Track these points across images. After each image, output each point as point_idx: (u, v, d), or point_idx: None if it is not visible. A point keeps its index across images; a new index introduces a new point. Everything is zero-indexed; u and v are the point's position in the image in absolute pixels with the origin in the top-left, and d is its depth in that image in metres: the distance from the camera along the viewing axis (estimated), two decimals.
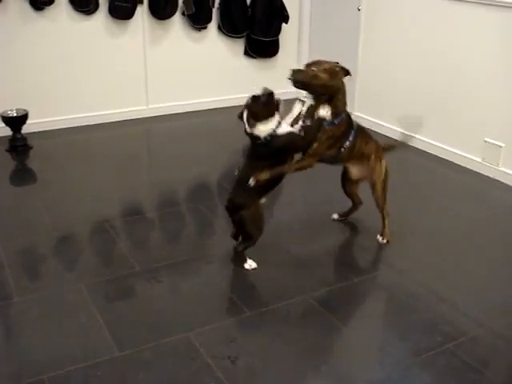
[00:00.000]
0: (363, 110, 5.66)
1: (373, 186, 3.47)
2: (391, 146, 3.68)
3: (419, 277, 3.22)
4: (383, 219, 3.52)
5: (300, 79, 3.13)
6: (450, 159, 4.83)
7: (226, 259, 3.31)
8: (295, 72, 3.12)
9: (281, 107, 3.11)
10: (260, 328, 2.80)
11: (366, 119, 5.61)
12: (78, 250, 3.50)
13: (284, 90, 6.57)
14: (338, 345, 2.73)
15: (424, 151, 5.02)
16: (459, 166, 4.73)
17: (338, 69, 3.16)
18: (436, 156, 4.93)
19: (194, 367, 2.52)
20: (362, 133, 3.39)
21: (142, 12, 5.50)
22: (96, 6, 5.28)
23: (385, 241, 3.49)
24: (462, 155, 4.75)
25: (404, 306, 2.97)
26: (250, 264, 3.21)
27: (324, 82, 3.10)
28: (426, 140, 5.03)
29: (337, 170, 3.63)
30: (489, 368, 2.58)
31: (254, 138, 3.07)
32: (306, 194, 4.32)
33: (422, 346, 2.68)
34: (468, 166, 4.69)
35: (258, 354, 2.60)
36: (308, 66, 3.15)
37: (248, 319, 2.84)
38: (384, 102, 5.45)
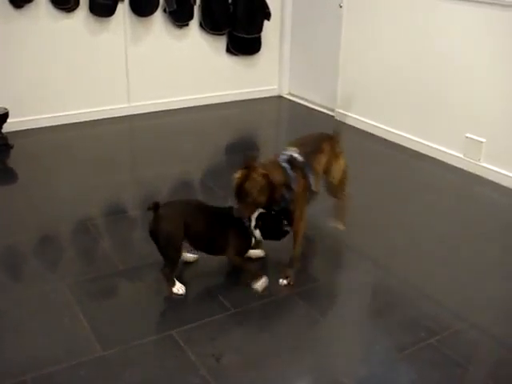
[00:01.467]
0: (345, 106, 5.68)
1: (338, 180, 3.42)
2: (336, 134, 3.57)
3: (402, 273, 3.24)
4: (343, 206, 3.52)
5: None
6: (431, 155, 4.86)
7: (208, 257, 3.30)
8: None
9: None
10: (244, 325, 2.80)
11: (349, 116, 5.63)
12: (60, 250, 3.48)
13: (266, 87, 6.62)
14: (321, 342, 2.73)
15: (405, 147, 5.05)
16: (441, 161, 4.76)
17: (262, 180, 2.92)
18: (417, 152, 4.95)
19: (178, 365, 2.51)
20: (312, 159, 3.19)
21: (123, 9, 5.47)
22: (76, 4, 5.23)
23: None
24: (443, 151, 4.77)
25: (387, 303, 2.99)
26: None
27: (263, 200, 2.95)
28: (407, 136, 5.05)
29: None
30: (472, 362, 2.60)
31: None
32: None
33: (405, 341, 2.69)
34: (449, 162, 4.72)
35: (242, 351, 2.60)
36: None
37: (232, 316, 2.84)
38: (367, 99, 5.47)
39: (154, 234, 2.99)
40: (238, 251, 3.07)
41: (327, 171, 3.33)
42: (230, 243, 3.03)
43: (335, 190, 3.45)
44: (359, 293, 3.10)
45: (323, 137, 3.40)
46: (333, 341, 2.75)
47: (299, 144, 3.21)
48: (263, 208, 3.03)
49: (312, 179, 3.13)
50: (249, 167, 2.90)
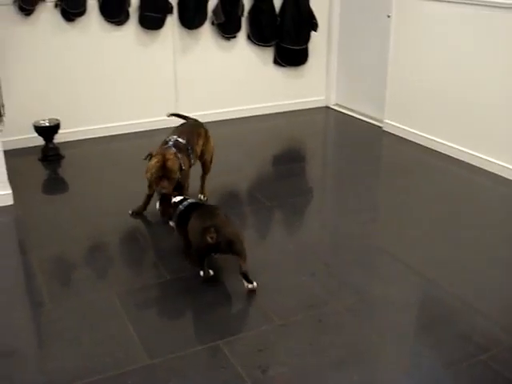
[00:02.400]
0: (393, 117, 5.63)
1: (210, 157, 4.22)
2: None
3: (452, 287, 3.18)
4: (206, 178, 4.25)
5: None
6: (481, 166, 4.74)
7: (254, 268, 3.30)
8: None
9: None
10: (291, 337, 2.78)
11: (396, 126, 5.58)
12: (109, 259, 3.53)
13: (313, 98, 6.62)
14: (368, 355, 2.69)
15: (455, 158, 4.95)
16: (491, 173, 4.65)
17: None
18: (467, 163, 4.84)
19: (224, 376, 2.51)
20: (192, 142, 3.97)
21: (171, 22, 5.54)
22: (126, 17, 5.34)
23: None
24: (493, 162, 4.66)
25: (436, 317, 2.93)
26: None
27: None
28: (457, 147, 4.96)
29: None
30: None
31: None
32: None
33: (454, 356, 2.63)
34: (500, 174, 4.59)
35: (289, 363, 2.59)
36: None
37: (279, 328, 2.83)
38: (414, 110, 5.41)
39: (223, 241, 3.07)
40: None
41: (203, 151, 4.11)
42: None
43: (208, 165, 4.22)
44: (407, 306, 3.04)
45: (198, 124, 4.21)
46: (380, 355, 2.71)
47: (180, 131, 3.99)
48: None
49: (193, 157, 3.90)
50: (159, 153, 3.59)
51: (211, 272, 3.21)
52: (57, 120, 5.06)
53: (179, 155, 3.66)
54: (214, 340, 2.73)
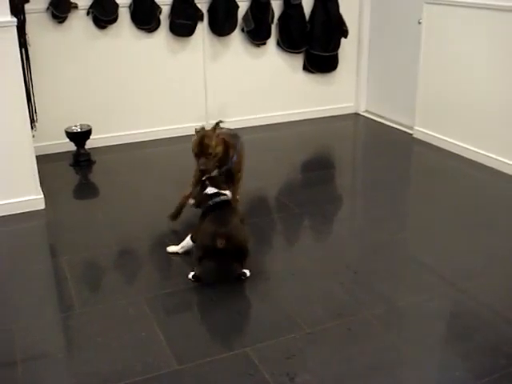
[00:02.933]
0: (424, 124, 5.58)
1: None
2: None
3: (481, 296, 3.13)
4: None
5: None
6: None
7: (282, 275, 3.30)
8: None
9: None
10: (319, 346, 2.77)
11: (427, 134, 5.53)
12: (138, 264, 3.55)
13: (343, 104, 6.60)
14: (397, 365, 2.66)
15: (485, 165, 4.89)
16: None
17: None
18: (498, 170, 4.78)
19: (252, 383, 2.51)
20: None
21: (202, 29, 5.58)
22: (157, 24, 5.38)
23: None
24: None
25: (465, 327, 2.89)
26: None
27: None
28: (488, 154, 4.90)
29: None
30: None
31: None
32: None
33: (484, 368, 2.59)
34: None
35: (316, 371, 2.57)
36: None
37: (307, 336, 2.82)
38: (445, 116, 5.36)
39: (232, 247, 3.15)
40: None
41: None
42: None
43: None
44: (436, 316, 3.01)
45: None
46: (409, 365, 2.68)
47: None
48: (218, 165, 3.58)
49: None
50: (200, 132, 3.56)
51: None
52: (88, 126, 5.11)
53: (227, 139, 3.64)
54: (242, 346, 2.73)
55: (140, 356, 2.68)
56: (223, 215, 3.26)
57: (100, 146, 5.36)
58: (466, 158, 5.09)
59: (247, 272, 3.27)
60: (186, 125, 5.73)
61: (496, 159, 4.85)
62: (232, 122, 5.89)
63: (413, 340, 2.82)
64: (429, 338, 2.84)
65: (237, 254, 3.22)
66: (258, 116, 6.07)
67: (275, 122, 6.15)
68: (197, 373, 2.57)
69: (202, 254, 3.21)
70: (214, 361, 2.64)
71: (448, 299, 3.13)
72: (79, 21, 5.15)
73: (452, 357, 2.69)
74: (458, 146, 5.21)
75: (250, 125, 6.01)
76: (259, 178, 4.76)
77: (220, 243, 3.07)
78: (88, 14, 5.14)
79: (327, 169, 5.17)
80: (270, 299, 3.13)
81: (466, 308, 3.04)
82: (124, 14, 5.27)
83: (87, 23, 5.18)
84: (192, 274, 3.24)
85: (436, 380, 2.57)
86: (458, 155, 5.17)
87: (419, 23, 5.48)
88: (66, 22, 5.09)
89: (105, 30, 5.25)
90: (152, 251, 3.69)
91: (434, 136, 5.45)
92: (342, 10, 6.02)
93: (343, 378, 2.54)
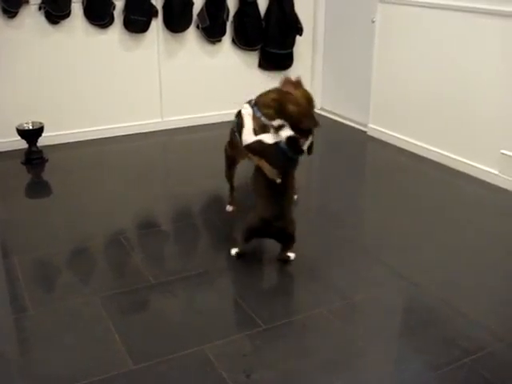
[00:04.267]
0: (377, 122, 5.65)
1: None
2: None
3: (436, 290, 3.19)
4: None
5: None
6: (466, 171, 4.79)
7: (240, 272, 3.29)
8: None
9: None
10: (275, 342, 2.77)
11: (381, 131, 5.60)
12: (93, 263, 3.50)
13: None
14: (354, 360, 2.69)
15: (438, 163, 4.99)
16: (475, 178, 4.70)
17: None
18: (451, 168, 4.89)
19: (208, 381, 2.50)
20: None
21: (156, 25, 5.53)
22: (111, 20, 5.32)
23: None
24: (478, 167, 4.71)
25: (421, 321, 2.93)
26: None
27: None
28: (441, 152, 5.00)
29: None
30: None
31: None
32: None
33: (440, 360, 2.64)
34: (485, 179, 4.65)
35: (273, 368, 2.58)
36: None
37: (263, 333, 2.82)
38: (398, 114, 5.43)
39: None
40: None
41: None
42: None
43: None
44: (393, 310, 3.05)
45: None
46: (366, 359, 2.71)
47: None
48: None
49: None
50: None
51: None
52: (40, 123, 5.03)
53: None
54: (198, 344, 2.71)
55: (95, 356, 2.64)
56: (276, 194, 3.22)
57: (53, 143, 5.27)
58: (419, 155, 5.17)
59: (292, 255, 3.35)
60: (140, 122, 5.70)
61: (448, 156, 4.94)
62: (186, 119, 5.91)
63: (369, 334, 2.85)
64: (385, 332, 2.88)
65: (287, 238, 3.29)
66: (212, 114, 6.05)
67: (230, 119, 6.11)
68: (153, 372, 2.55)
69: (249, 233, 3.28)
70: (170, 359, 2.62)
71: (404, 293, 3.17)
72: (31, 16, 5.05)
73: (408, 350, 2.73)
74: (411, 143, 5.29)
75: (205, 122, 5.99)
76: (214, 175, 4.74)
77: (276, 229, 3.19)
78: (40, 9, 5.04)
79: None
80: (227, 297, 3.12)
81: (421, 302, 3.09)
82: (77, 10, 5.19)
83: (39, 19, 5.08)
84: (235, 250, 3.36)
85: (391, 373, 2.60)
86: (411, 152, 5.25)
87: (373, 22, 5.53)
88: (17, 18, 4.98)
89: (57, 26, 5.16)
90: (107, 250, 3.64)
91: (388, 133, 5.52)
92: (297, 8, 6.05)
93: (300, 374, 2.55)
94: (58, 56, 5.23)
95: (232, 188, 4.05)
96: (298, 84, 3.19)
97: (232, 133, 3.74)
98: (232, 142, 3.76)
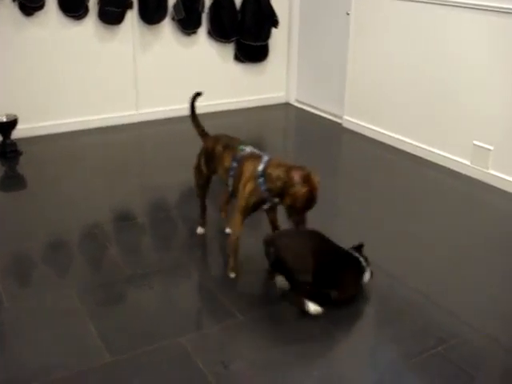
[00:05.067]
0: (352, 114, 5.69)
1: None
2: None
3: (410, 281, 3.23)
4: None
5: None
6: (439, 162, 4.85)
7: (216, 264, 3.31)
8: None
9: None
10: (252, 332, 2.80)
11: (355, 123, 5.64)
12: (69, 257, 3.49)
13: (273, 94, 6.64)
14: (330, 349, 2.73)
15: (412, 154, 5.05)
16: (448, 169, 4.76)
17: None
18: (425, 159, 4.95)
19: (186, 372, 2.52)
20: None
21: (131, 17, 5.50)
22: (86, 11, 5.28)
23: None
24: (451, 158, 4.77)
25: (396, 311, 2.98)
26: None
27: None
28: (415, 143, 5.06)
29: None
30: (480, 371, 2.59)
31: None
32: None
33: (414, 349, 2.69)
34: (457, 169, 4.71)
35: (250, 358, 2.60)
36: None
37: (240, 324, 2.85)
38: (373, 106, 5.48)
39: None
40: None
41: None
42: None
43: None
44: (368, 301, 3.09)
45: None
46: (341, 349, 2.75)
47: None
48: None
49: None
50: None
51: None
52: (14, 116, 4.98)
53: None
54: (175, 336, 2.73)
55: (72, 350, 2.64)
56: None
57: (27, 136, 5.22)
58: (393, 147, 5.22)
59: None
60: (115, 114, 5.67)
61: (422, 148, 5.00)
62: (161, 111, 5.89)
63: (343, 324, 2.89)
64: (359, 322, 2.92)
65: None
66: (188, 105, 6.02)
67: (206, 111, 6.09)
68: (130, 364, 2.56)
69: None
70: (147, 352, 2.63)
71: (378, 284, 3.21)
72: (5, 8, 4.98)
73: (383, 340, 2.77)
74: (386, 135, 5.33)
75: (180, 115, 5.97)
76: (190, 168, 4.74)
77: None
78: (14, 0, 4.98)
79: None
80: (203, 289, 3.14)
81: (395, 293, 3.13)
82: (51, 1, 5.14)
83: (13, 10, 5.02)
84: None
85: (368, 362, 2.64)
86: (385, 144, 5.30)
87: (347, 14, 5.56)
88: None
89: (31, 18, 5.11)
90: (82, 244, 3.63)
91: (363, 125, 5.57)
92: (273, 1, 6.06)
93: (277, 364, 2.57)
94: (32, 48, 5.18)
95: (203, 208, 3.67)
96: (306, 178, 2.90)
97: (207, 152, 3.54)
98: (208, 161, 3.50)
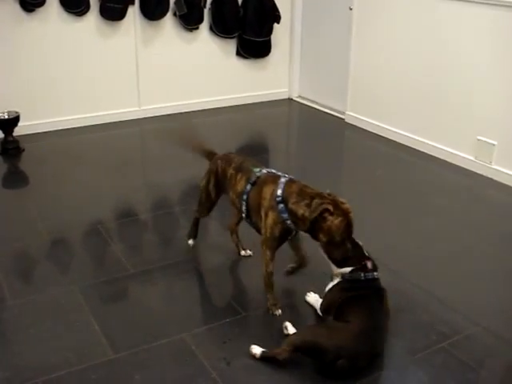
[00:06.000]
0: (355, 109, 5.67)
1: None
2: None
3: (414, 277, 3.22)
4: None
5: None
6: (442, 157, 4.83)
7: (219, 260, 3.30)
8: None
9: None
10: (256, 328, 2.79)
11: (358, 118, 5.62)
12: (71, 253, 3.49)
13: (276, 90, 6.62)
14: None
15: (416, 149, 5.03)
16: (452, 164, 4.74)
17: None
18: (428, 154, 4.93)
19: (189, 369, 2.51)
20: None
21: (133, 13, 5.48)
22: (87, 7, 5.26)
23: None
24: (454, 153, 4.75)
25: (399, 307, 2.96)
26: None
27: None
28: (418, 138, 5.04)
29: None
30: (484, 366, 2.58)
31: None
32: None
33: (417, 345, 2.68)
34: (461, 165, 4.69)
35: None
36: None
37: (243, 320, 2.84)
38: (376, 101, 5.46)
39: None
40: None
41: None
42: None
43: None
44: None
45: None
46: None
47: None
48: None
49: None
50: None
51: None
52: (16, 112, 4.97)
53: None
54: (178, 333, 2.72)
55: (75, 346, 2.64)
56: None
57: (29, 133, 5.22)
58: (397, 142, 5.21)
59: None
60: (118, 111, 5.67)
61: (426, 143, 4.98)
62: (163, 107, 5.88)
63: None
64: None
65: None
66: (190, 102, 6.03)
67: (208, 107, 6.12)
68: (133, 361, 2.55)
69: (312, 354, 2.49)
70: (150, 348, 2.62)
71: (381, 280, 3.19)
72: (6, 4, 4.97)
73: (387, 335, 2.76)
74: (389, 130, 5.32)
75: (182, 111, 5.97)
76: (193, 164, 4.72)
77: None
78: None
79: (260, 154, 5.18)
80: (205, 285, 3.13)
81: (399, 288, 3.11)
82: None
83: (14, 6, 5.01)
84: (259, 350, 2.57)
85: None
86: (388, 139, 5.29)
87: (350, 9, 5.54)
88: None
89: (32, 14, 5.09)
90: (85, 240, 3.63)
91: (365, 120, 5.55)
92: None
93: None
94: (33, 44, 5.17)
95: (197, 221, 3.43)
96: (335, 206, 2.64)
97: (216, 171, 3.19)
98: (218, 183, 3.17)
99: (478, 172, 4.56)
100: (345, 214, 2.62)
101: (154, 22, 5.59)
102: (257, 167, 2.97)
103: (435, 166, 4.78)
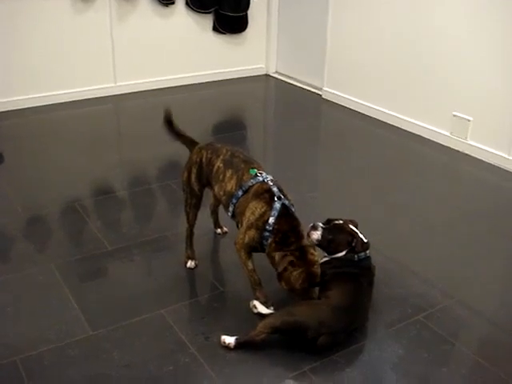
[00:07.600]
0: (332, 85, 5.67)
1: None
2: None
3: (389, 251, 3.26)
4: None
5: None
6: (418, 133, 4.86)
7: (197, 237, 3.30)
8: None
9: None
10: (233, 304, 2.81)
11: (335, 94, 5.62)
12: (48, 231, 3.47)
13: (253, 66, 6.59)
14: None
15: (392, 125, 5.05)
16: (428, 139, 4.78)
17: None
18: (405, 130, 4.96)
19: (167, 344, 2.53)
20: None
21: None
22: None
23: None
24: (430, 129, 4.78)
25: (375, 281, 3.00)
26: None
27: None
28: (394, 114, 5.06)
29: None
30: (459, 339, 2.63)
31: None
32: None
33: (393, 318, 2.72)
34: (436, 140, 4.73)
35: (231, 329, 2.61)
36: None
37: (221, 295, 2.86)
38: (353, 77, 5.46)
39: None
40: None
41: None
42: None
43: None
44: None
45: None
46: None
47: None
48: None
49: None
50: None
51: None
52: None
53: None
54: (156, 309, 2.73)
55: (53, 324, 2.64)
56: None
57: (3, 110, 5.15)
58: (373, 118, 5.22)
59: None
60: (92, 87, 5.60)
61: (402, 118, 5.00)
62: (140, 83, 5.83)
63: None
64: None
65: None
66: (167, 78, 5.98)
67: (184, 83, 6.07)
68: (112, 337, 2.56)
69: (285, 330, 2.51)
70: (128, 324, 2.63)
71: None
72: None
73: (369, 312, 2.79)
74: (365, 105, 5.33)
75: (159, 86, 5.93)
76: (169, 140, 4.71)
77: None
78: None
79: (238, 130, 5.18)
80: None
81: (373, 262, 3.14)
82: None
83: None
84: (232, 339, 2.51)
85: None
86: (365, 115, 5.30)
87: None
88: None
89: None
90: (62, 218, 3.61)
91: (342, 96, 5.55)
92: None
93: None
94: (6, 21, 5.06)
95: (191, 234, 3.13)
96: (301, 254, 2.61)
97: (196, 164, 3.01)
98: (201, 175, 2.97)
99: (454, 148, 4.60)
100: (308, 266, 2.57)
101: None
102: (253, 168, 2.81)
103: (411, 141, 4.81)
